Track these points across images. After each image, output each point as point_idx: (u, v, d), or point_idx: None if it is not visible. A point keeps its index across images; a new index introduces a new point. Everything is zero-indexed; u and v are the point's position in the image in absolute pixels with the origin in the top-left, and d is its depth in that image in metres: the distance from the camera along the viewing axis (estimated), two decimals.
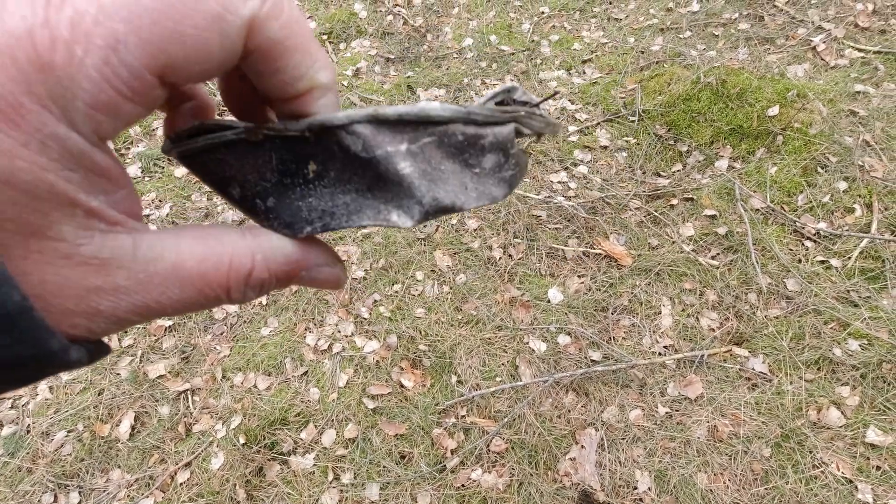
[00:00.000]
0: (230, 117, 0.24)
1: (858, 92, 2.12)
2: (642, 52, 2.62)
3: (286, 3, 0.18)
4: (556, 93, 0.26)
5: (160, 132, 2.42)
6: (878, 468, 1.42)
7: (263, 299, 1.86)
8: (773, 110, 2.08)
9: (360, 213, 0.22)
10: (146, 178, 2.26)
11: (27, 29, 0.14)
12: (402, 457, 1.52)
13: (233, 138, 0.21)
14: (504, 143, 0.22)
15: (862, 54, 2.26)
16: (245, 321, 1.83)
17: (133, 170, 2.27)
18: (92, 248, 0.17)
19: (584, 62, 2.68)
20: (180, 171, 2.26)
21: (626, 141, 2.29)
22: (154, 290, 0.18)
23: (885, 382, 1.54)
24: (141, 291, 0.18)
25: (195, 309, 0.20)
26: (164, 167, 2.29)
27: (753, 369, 1.62)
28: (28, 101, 0.14)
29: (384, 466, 1.49)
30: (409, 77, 2.67)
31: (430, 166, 0.21)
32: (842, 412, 1.51)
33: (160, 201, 2.16)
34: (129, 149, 2.36)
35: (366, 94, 2.58)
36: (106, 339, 0.20)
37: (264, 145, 0.21)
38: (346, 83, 2.62)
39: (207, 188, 2.23)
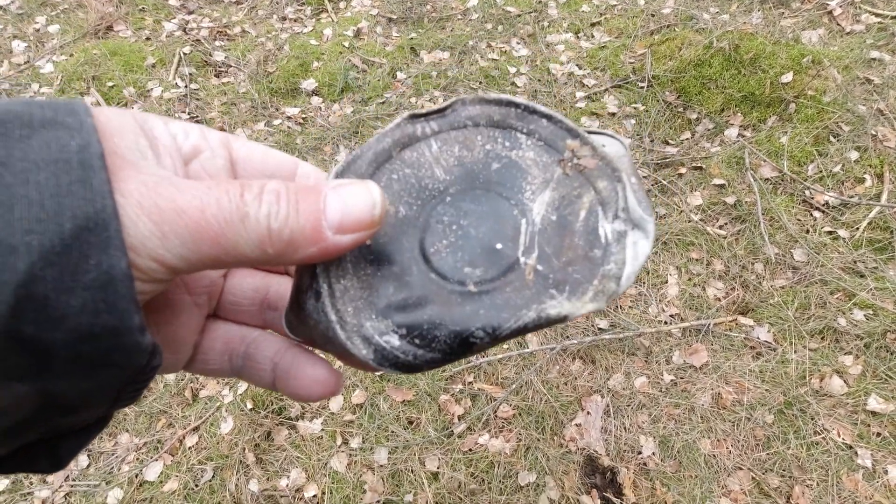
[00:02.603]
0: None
1: (874, 59, 2.07)
2: (653, 16, 2.54)
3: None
4: None
5: (155, 93, 2.34)
6: (878, 434, 1.44)
7: None
8: (787, 77, 2.03)
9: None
10: None
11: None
12: (410, 422, 1.53)
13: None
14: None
15: (879, 19, 2.20)
16: None
17: None
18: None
19: (593, 25, 2.60)
20: None
21: (635, 108, 2.24)
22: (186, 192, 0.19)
23: (888, 352, 1.55)
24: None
25: (221, 222, 0.19)
26: None
27: (758, 338, 1.63)
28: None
29: (392, 431, 1.50)
30: (411, 39, 2.58)
31: None
32: (844, 381, 1.53)
33: None
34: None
35: (368, 55, 2.50)
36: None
37: None
38: (346, 44, 2.54)
39: None
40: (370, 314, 0.22)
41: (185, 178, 0.21)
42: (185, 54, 2.49)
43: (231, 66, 2.50)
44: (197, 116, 2.27)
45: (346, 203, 0.20)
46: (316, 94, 2.38)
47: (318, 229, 0.19)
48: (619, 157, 0.23)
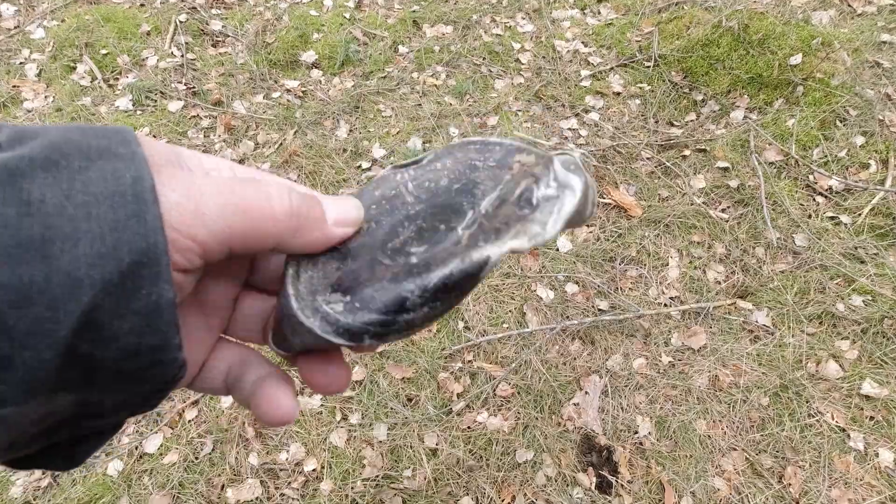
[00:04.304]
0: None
1: (885, 42, 2.04)
2: None
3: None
4: None
5: (150, 62, 2.28)
6: (872, 418, 1.46)
7: None
8: (796, 59, 2.00)
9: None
10: (138, 112, 2.15)
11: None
12: (409, 399, 1.54)
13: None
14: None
15: (892, 1, 2.17)
16: None
17: (123, 102, 2.15)
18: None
19: (600, 1, 2.54)
20: (174, 105, 2.15)
21: (640, 87, 2.21)
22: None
23: (884, 338, 1.57)
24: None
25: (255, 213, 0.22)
26: (156, 100, 2.18)
27: (757, 322, 1.64)
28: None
29: (391, 408, 1.51)
30: (414, 12, 2.52)
31: None
32: (840, 365, 1.55)
33: (154, 137, 2.07)
34: (117, 79, 2.24)
35: (369, 28, 2.44)
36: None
37: None
38: (347, 16, 2.47)
39: (204, 124, 2.13)
40: (324, 293, 0.25)
41: None
42: (181, 22, 2.42)
43: (229, 36, 2.43)
44: (194, 87, 2.22)
45: (339, 205, 0.26)
46: (316, 67, 2.32)
47: (323, 218, 0.25)
48: (563, 157, 0.26)
